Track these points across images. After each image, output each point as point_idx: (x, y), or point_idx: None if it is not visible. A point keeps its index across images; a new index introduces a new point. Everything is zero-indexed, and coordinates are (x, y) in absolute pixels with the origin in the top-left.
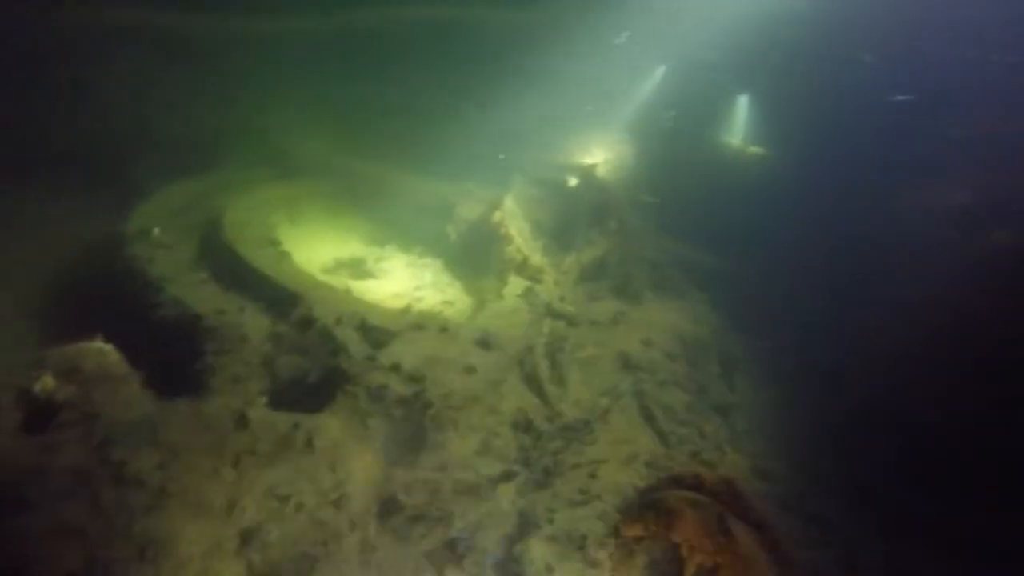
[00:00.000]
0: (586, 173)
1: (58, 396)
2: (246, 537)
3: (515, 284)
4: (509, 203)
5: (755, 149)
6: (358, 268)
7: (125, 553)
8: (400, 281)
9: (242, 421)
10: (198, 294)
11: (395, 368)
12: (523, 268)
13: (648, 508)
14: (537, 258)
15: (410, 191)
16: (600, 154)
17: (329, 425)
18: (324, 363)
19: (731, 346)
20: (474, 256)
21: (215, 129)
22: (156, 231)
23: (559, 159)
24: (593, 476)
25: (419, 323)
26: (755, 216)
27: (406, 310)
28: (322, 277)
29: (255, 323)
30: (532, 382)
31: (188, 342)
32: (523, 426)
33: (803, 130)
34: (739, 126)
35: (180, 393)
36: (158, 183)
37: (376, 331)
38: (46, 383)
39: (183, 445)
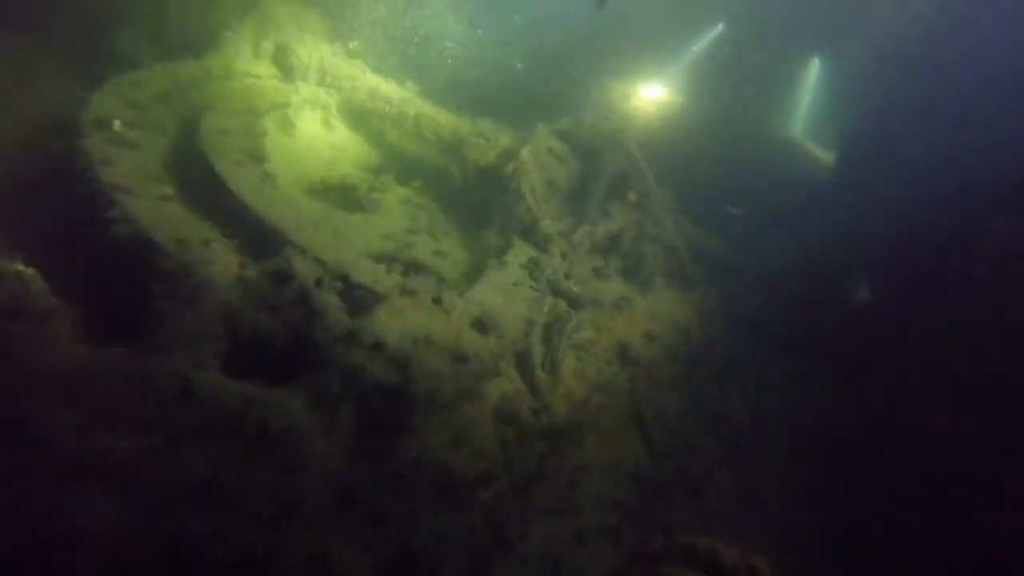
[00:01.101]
0: (611, 136)
1: None
2: (175, 533)
3: (520, 250)
4: (526, 155)
5: (823, 153)
6: (348, 196)
7: (28, 531)
8: (392, 220)
9: (186, 389)
10: (157, 214)
11: (377, 347)
12: (531, 233)
13: None
14: (548, 223)
15: (419, 118)
16: (631, 112)
17: (291, 406)
18: (295, 329)
19: (737, 351)
20: (477, 206)
21: (218, 8)
22: (117, 123)
23: (587, 115)
24: (573, 485)
25: (410, 288)
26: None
27: (392, 264)
28: (306, 202)
29: (222, 262)
30: (524, 373)
31: (135, 276)
32: (509, 420)
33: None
34: (801, 105)
35: (117, 341)
36: (140, 63)
37: (360, 291)
38: None
39: (111, 408)
